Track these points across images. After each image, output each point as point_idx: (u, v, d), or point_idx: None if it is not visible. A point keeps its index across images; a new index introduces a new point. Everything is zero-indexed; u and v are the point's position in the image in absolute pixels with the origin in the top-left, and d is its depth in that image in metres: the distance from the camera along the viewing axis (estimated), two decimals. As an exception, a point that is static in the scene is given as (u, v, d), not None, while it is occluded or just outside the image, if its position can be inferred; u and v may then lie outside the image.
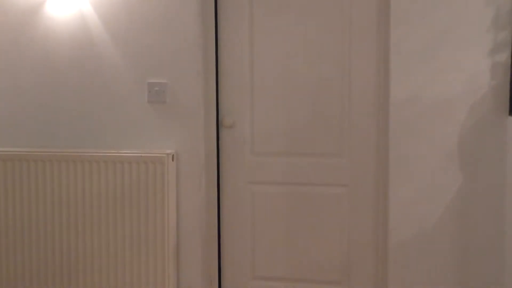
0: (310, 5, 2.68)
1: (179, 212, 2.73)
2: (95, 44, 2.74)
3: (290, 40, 2.72)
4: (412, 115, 2.49)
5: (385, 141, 2.58)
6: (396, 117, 2.51)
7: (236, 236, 2.86)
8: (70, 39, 2.77)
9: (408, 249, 2.54)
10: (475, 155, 2.46)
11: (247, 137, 2.80)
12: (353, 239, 2.74)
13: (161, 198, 2.61)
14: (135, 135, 2.74)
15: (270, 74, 2.75)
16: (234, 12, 2.76)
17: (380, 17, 2.59)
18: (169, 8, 2.66)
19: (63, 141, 2.82)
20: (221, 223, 2.87)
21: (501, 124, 2.42)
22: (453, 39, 2.43)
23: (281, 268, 2.83)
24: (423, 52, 2.46)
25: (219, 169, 2.84)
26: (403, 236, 2.54)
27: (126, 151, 2.69)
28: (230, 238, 2.87)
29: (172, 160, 2.66)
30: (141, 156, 2.62)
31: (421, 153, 2.50)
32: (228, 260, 2.89)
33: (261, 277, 2.86)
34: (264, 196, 2.82)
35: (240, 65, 2.77)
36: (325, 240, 2.77)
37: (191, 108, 2.69)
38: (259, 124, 2.78)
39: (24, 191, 2.74)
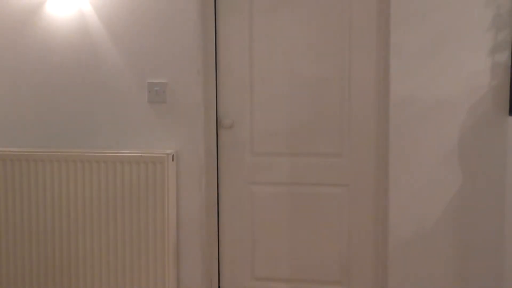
0: (310, 5, 2.68)
1: (179, 212, 2.73)
2: (95, 44, 2.74)
3: (290, 40, 2.72)
4: (412, 115, 2.49)
5: (385, 141, 2.58)
6: (396, 117, 2.51)
7: (235, 236, 2.86)
8: (70, 39, 2.77)
9: (408, 249, 2.54)
10: (475, 155, 2.46)
11: (246, 137, 2.80)
12: (353, 239, 2.74)
13: (161, 198, 2.61)
14: (135, 135, 2.74)
15: (270, 74, 2.75)
16: (234, 11, 2.75)
17: (380, 17, 2.59)
18: (169, 8, 2.66)
19: (63, 141, 2.82)
20: (220, 223, 2.87)
21: (501, 124, 2.42)
22: (453, 39, 2.43)
23: (281, 268, 2.83)
24: (423, 52, 2.46)
25: (218, 169, 2.84)
26: (403, 236, 2.54)
27: (126, 151, 2.69)
28: (230, 238, 2.87)
29: (172, 160, 2.66)
30: (141, 156, 2.62)
31: (421, 152, 2.50)
32: (228, 260, 2.89)
33: (260, 278, 2.86)
34: (264, 196, 2.82)
35: (240, 65, 2.77)
36: (325, 240, 2.77)
37: (191, 108, 2.69)
38: (259, 124, 2.78)
39: (24, 191, 2.74)
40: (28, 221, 2.74)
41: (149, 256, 2.65)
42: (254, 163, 2.81)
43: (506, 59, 2.38)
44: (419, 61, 2.47)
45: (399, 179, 2.53)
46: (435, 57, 2.45)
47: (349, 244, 2.74)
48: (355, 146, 2.69)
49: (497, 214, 2.46)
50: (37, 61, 2.81)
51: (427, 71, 2.46)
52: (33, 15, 2.80)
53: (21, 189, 2.74)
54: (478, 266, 2.49)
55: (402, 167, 2.52)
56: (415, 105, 2.48)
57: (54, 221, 2.72)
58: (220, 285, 2.90)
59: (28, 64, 2.83)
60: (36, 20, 2.79)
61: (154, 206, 2.62)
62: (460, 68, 2.43)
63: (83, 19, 2.74)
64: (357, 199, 2.72)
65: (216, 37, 2.77)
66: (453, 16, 2.42)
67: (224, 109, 2.81)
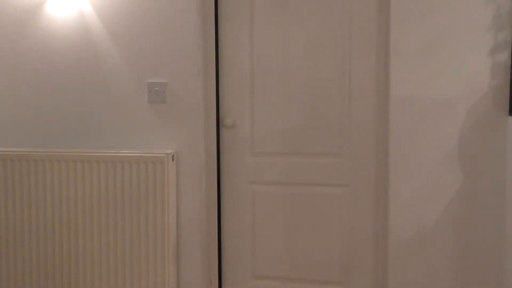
0: (310, 5, 2.68)
1: (179, 212, 2.73)
2: (95, 44, 2.74)
3: (290, 40, 2.72)
4: (412, 115, 2.49)
5: (385, 141, 2.58)
6: (396, 117, 2.51)
7: (236, 236, 2.86)
8: (70, 39, 2.77)
9: (408, 249, 2.54)
10: (475, 155, 2.46)
11: (247, 137, 2.80)
12: (353, 239, 2.74)
13: (161, 198, 2.61)
14: (135, 135, 2.75)
15: (270, 74, 2.75)
16: (234, 11, 2.76)
17: (380, 17, 2.59)
18: (169, 8, 2.66)
19: (63, 141, 2.82)
20: (221, 223, 2.87)
21: (501, 124, 2.42)
22: (453, 39, 2.43)
23: (281, 268, 2.83)
24: (423, 52, 2.46)
25: (219, 169, 2.84)
26: (403, 236, 2.54)
27: (126, 151, 2.69)
28: (230, 238, 2.87)
29: (172, 160, 2.66)
30: (141, 156, 2.62)
31: (421, 153, 2.50)
32: (228, 260, 2.89)
33: (261, 277, 2.86)
34: (264, 196, 2.82)
35: (241, 65, 2.77)
36: (325, 240, 2.77)
37: (191, 108, 2.69)
38: (260, 124, 2.78)
39: (24, 191, 2.74)
40: (28, 221, 2.75)
41: (149, 256, 2.65)
42: (254, 163, 2.81)
43: (506, 59, 2.38)
44: (419, 61, 2.46)
45: (399, 179, 2.53)
46: (435, 57, 2.45)
47: (349, 244, 2.74)
48: (355, 146, 2.69)
49: (497, 214, 2.45)
50: (37, 61, 2.82)
51: (427, 71, 2.46)
52: (33, 15, 2.80)
53: (21, 189, 2.74)
54: (478, 266, 2.49)
55: (402, 167, 2.52)
56: (415, 105, 2.48)
57: (54, 221, 2.72)
58: (220, 285, 2.90)
59: (28, 64, 2.83)
60: (36, 20, 2.80)
61: (154, 206, 2.62)
62: (460, 68, 2.43)
63: (83, 19, 2.74)
64: (357, 199, 2.72)
65: (216, 37, 2.77)
66: (453, 16, 2.42)
67: (226, 109, 2.81)
